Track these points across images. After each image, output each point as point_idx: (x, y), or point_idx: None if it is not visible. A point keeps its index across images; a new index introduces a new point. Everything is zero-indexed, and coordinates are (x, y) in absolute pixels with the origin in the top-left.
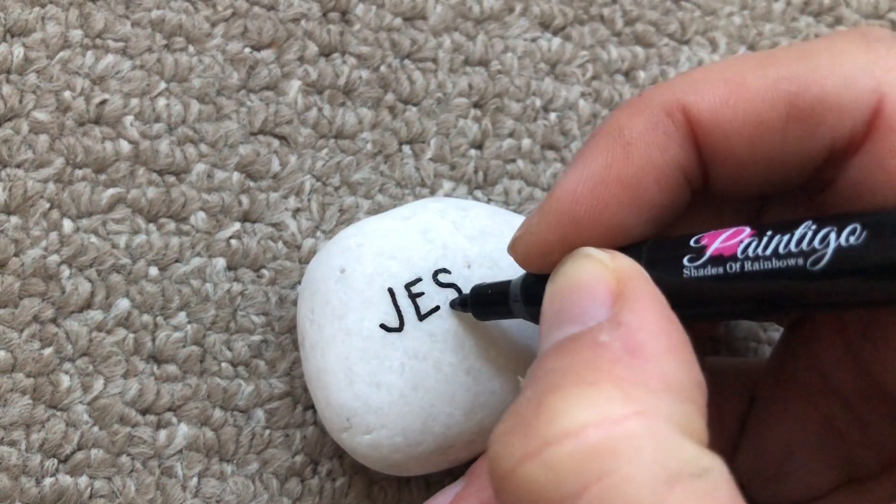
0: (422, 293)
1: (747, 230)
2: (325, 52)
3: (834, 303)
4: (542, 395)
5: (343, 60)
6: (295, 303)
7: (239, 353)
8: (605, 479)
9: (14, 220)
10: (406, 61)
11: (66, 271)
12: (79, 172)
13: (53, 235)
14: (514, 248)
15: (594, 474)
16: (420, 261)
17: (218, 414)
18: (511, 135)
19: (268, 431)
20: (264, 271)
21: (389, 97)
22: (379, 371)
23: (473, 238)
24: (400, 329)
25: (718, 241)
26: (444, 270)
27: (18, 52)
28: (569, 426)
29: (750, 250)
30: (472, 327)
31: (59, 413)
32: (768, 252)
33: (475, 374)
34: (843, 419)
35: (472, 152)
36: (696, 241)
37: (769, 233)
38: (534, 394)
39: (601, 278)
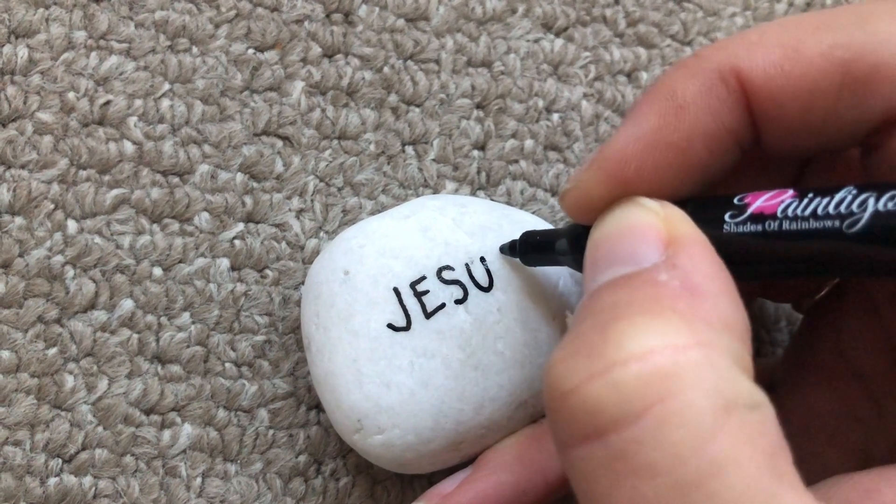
0: (427, 291)
1: (790, 192)
2: (329, 54)
3: (868, 267)
4: (607, 322)
5: (346, 61)
6: (298, 303)
7: (243, 354)
8: (666, 401)
9: (18, 220)
10: (409, 62)
11: (70, 272)
12: (83, 173)
13: (58, 236)
14: (563, 199)
15: (657, 396)
16: (423, 259)
17: (222, 414)
18: (514, 136)
19: (271, 431)
20: (268, 272)
21: (392, 98)
22: (388, 371)
23: (474, 234)
24: (407, 328)
25: (760, 201)
26: (448, 267)
27: (23, 53)
28: (635, 349)
29: (790, 210)
30: (479, 322)
31: (63, 413)
32: (807, 213)
33: (483, 369)
34: (863, 405)
35: (475, 153)
36: (740, 200)
37: (810, 195)
38: (595, 322)
39: (652, 223)
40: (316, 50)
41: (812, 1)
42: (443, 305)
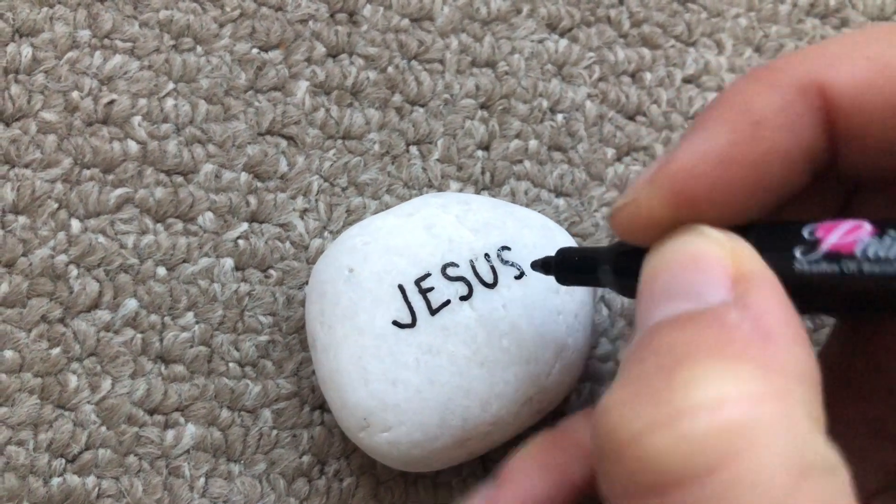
0: (431, 288)
1: (867, 226)
2: (333, 53)
3: None
4: (673, 365)
5: (351, 61)
6: (302, 303)
7: (246, 354)
8: (739, 460)
9: (22, 219)
10: (413, 62)
11: (73, 271)
12: (87, 172)
13: (61, 235)
14: (615, 217)
15: (729, 453)
16: (427, 256)
17: (225, 414)
18: (518, 136)
19: (275, 432)
20: (272, 272)
21: (397, 98)
22: (394, 368)
23: (477, 231)
24: (413, 325)
25: (835, 237)
26: (452, 264)
27: (27, 52)
28: (707, 398)
29: (870, 251)
30: (485, 319)
31: (66, 413)
32: (892, 255)
33: (489, 366)
34: (894, 423)
35: (479, 153)
36: (811, 234)
37: (891, 231)
38: (659, 364)
39: (718, 257)
40: (320, 49)
41: (816, 2)
42: (448, 302)
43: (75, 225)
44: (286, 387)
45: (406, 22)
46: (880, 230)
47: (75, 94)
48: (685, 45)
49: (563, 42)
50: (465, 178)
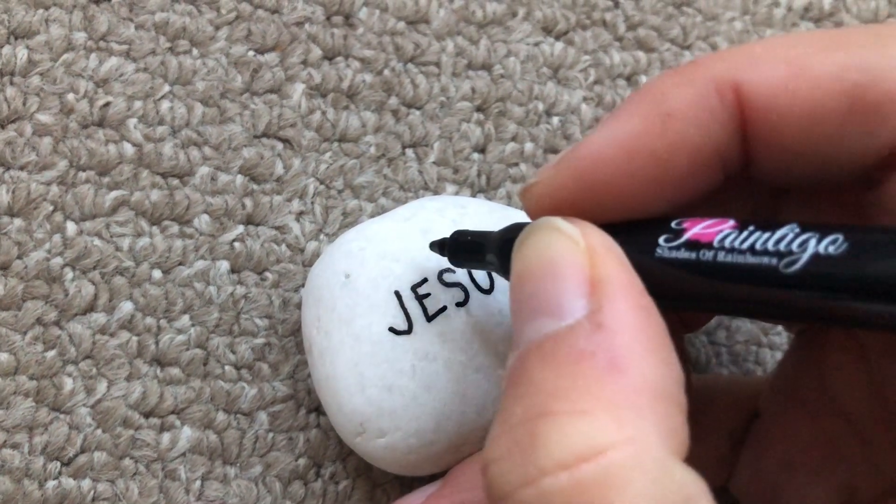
0: (428, 294)
1: (731, 221)
2: (329, 56)
3: (802, 312)
4: (535, 420)
5: (347, 64)
6: (298, 306)
7: (242, 356)
8: None
9: (17, 222)
10: (409, 65)
11: (69, 274)
12: (82, 175)
13: (57, 238)
14: (525, 194)
15: None
16: (424, 261)
17: (221, 417)
18: (514, 139)
19: (271, 434)
20: (268, 274)
21: (393, 101)
22: (390, 374)
23: None
24: (409, 331)
25: (699, 227)
26: (449, 270)
27: (22, 54)
28: (563, 458)
29: (727, 241)
30: (481, 325)
31: (62, 416)
32: (744, 246)
33: (485, 372)
34: (848, 441)
35: (475, 156)
36: (678, 224)
37: (751, 227)
38: (525, 415)
39: (574, 261)
40: (316, 52)
41: (810, 5)
42: (444, 308)
43: (71, 227)
44: (282, 389)
45: (402, 25)
46: (741, 226)
47: (71, 97)
48: (680, 49)
49: (559, 45)
50: (461, 180)
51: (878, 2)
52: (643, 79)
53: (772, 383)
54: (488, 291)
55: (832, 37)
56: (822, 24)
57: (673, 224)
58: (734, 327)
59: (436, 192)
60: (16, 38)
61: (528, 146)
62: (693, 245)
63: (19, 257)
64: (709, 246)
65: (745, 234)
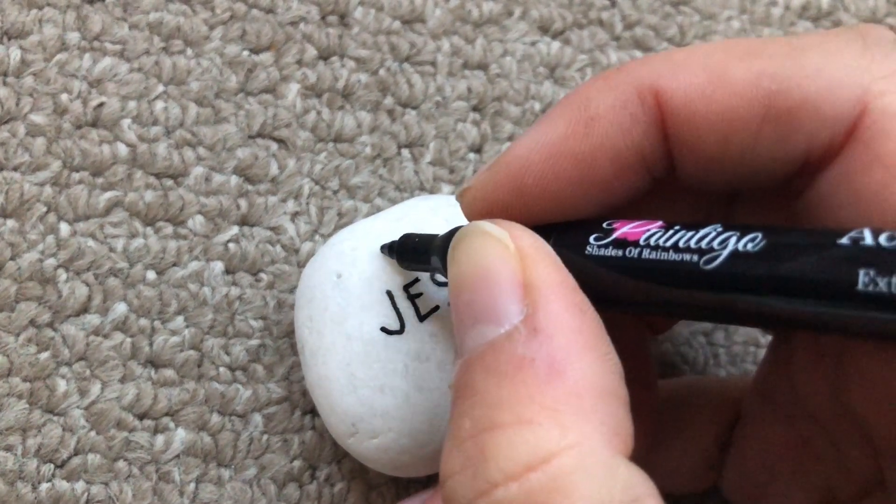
0: (420, 294)
1: (659, 222)
2: (324, 56)
3: (721, 309)
4: (482, 434)
5: (342, 64)
6: (293, 307)
7: (237, 358)
8: None
9: (10, 223)
10: (405, 65)
11: (62, 275)
12: (76, 175)
13: (50, 239)
14: (461, 198)
15: None
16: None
17: (216, 419)
18: (510, 138)
19: (266, 436)
20: (262, 275)
21: (388, 101)
22: (382, 374)
23: None
24: (401, 331)
25: (628, 227)
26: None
27: (15, 54)
28: (511, 469)
29: (652, 239)
30: None
31: (55, 418)
32: (668, 244)
33: None
34: (820, 442)
35: (471, 156)
36: (609, 224)
37: (677, 227)
38: (473, 429)
39: (506, 265)
40: (311, 52)
41: (808, 4)
42: (436, 308)
43: (64, 228)
44: (277, 391)
45: (397, 24)
46: (668, 226)
47: (64, 97)
48: (678, 48)
49: (556, 44)
50: (457, 180)
51: (877, 1)
52: None
53: (752, 386)
54: None
55: (750, 46)
56: (821, 23)
57: (604, 224)
58: (732, 328)
59: (432, 193)
60: (9, 38)
61: None
62: (621, 243)
63: (12, 258)
64: (635, 244)
65: (670, 232)
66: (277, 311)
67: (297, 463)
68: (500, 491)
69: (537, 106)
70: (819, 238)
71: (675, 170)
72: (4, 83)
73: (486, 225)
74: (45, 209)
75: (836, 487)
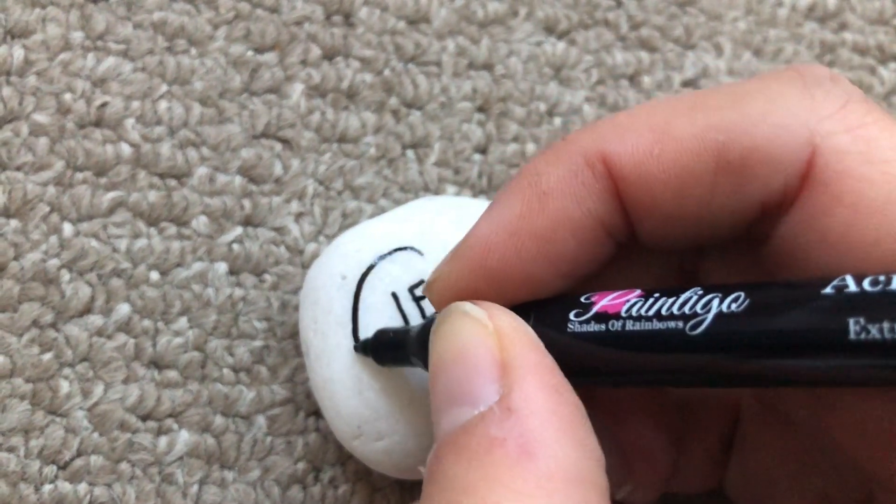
0: (425, 295)
1: (637, 291)
2: (329, 56)
3: (712, 374)
4: None
5: (346, 64)
6: (297, 308)
7: (240, 359)
8: None
9: (14, 223)
10: (410, 65)
11: (66, 275)
12: (79, 175)
13: (53, 239)
14: (428, 291)
15: None
16: (421, 262)
17: (219, 420)
18: (515, 139)
19: (269, 438)
20: (266, 276)
21: (393, 101)
22: (388, 377)
23: None
24: None
25: (607, 300)
26: None
27: (19, 53)
28: None
29: (634, 310)
30: None
31: (58, 419)
32: (651, 313)
33: None
34: (815, 451)
35: (476, 157)
36: (587, 298)
37: (656, 295)
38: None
39: (484, 345)
40: (316, 52)
41: (814, 5)
42: None
43: (67, 228)
44: (281, 393)
45: (402, 24)
46: (647, 294)
47: (68, 96)
48: (684, 49)
49: (561, 45)
50: (462, 181)
51: (884, 2)
52: (646, 79)
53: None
54: None
55: (691, 100)
56: (827, 24)
57: (582, 299)
58: None
59: (436, 194)
60: (12, 38)
61: (530, 147)
62: (602, 317)
63: (15, 259)
64: (617, 316)
65: (650, 300)
66: (281, 313)
67: (300, 465)
68: None
69: (543, 107)
70: (802, 290)
71: (635, 233)
72: (8, 82)
73: (466, 306)
74: (48, 209)
75: (833, 496)
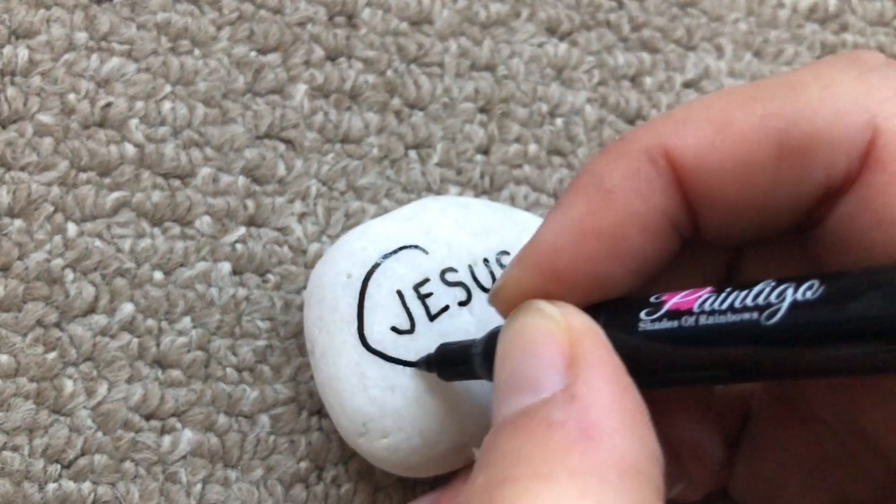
0: (430, 293)
1: (708, 288)
2: (332, 56)
3: (788, 365)
4: (495, 486)
5: (349, 64)
6: (300, 308)
7: (244, 359)
8: None
9: (18, 223)
10: (412, 66)
11: (70, 275)
12: (83, 176)
13: (57, 239)
14: (495, 299)
15: None
16: (426, 261)
17: (222, 419)
18: (517, 140)
19: (272, 437)
20: (269, 276)
21: (396, 102)
22: (393, 374)
23: (476, 235)
24: (411, 331)
25: (677, 298)
26: (451, 269)
27: (23, 54)
28: None
29: (706, 304)
30: (484, 324)
31: (62, 418)
32: (724, 306)
33: None
34: (833, 447)
35: (479, 157)
36: (657, 298)
37: (728, 289)
38: (486, 482)
39: (553, 339)
40: (319, 53)
41: (815, 6)
42: (447, 308)
43: (71, 228)
44: (284, 392)
45: (405, 25)
46: (718, 289)
47: (72, 97)
48: (685, 50)
49: (563, 46)
50: (465, 182)
51: (884, 3)
52: (647, 80)
53: (763, 385)
54: None
55: (747, 91)
56: (828, 25)
57: (651, 298)
58: None
59: (439, 194)
60: (17, 38)
61: (532, 147)
62: (674, 314)
63: (20, 258)
64: (689, 312)
65: (723, 295)
66: (284, 312)
67: (303, 464)
68: None
69: (544, 107)
70: (876, 275)
71: (698, 227)
72: (12, 83)
73: (540, 303)
74: (52, 209)
75: (850, 492)
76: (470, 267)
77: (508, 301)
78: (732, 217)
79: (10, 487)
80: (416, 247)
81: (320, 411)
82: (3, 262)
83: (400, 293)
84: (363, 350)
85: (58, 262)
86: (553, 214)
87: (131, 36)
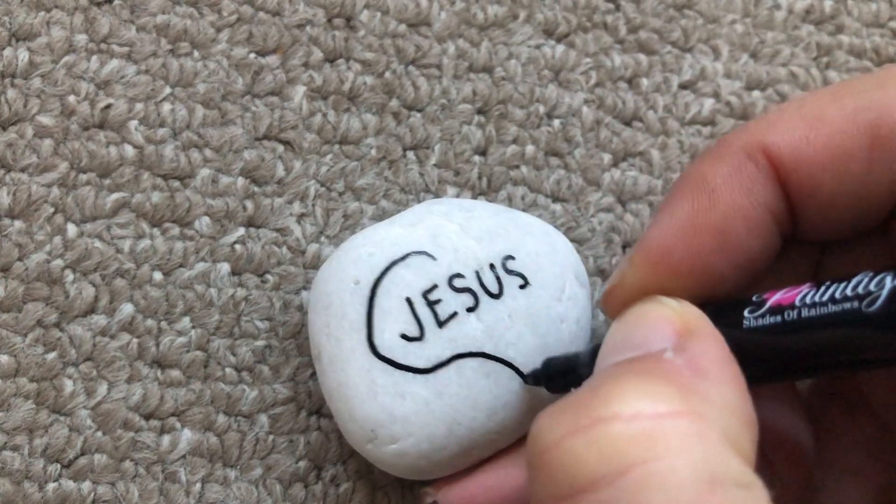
0: (439, 300)
1: (807, 284)
2: (330, 58)
3: (892, 350)
4: (598, 384)
5: (348, 66)
6: (299, 308)
7: (243, 359)
8: (649, 464)
9: (18, 224)
10: (410, 67)
11: (69, 276)
12: (83, 177)
13: (57, 240)
14: (607, 302)
15: (639, 457)
16: (433, 267)
17: (222, 419)
18: (515, 141)
19: (271, 437)
20: (268, 276)
21: (394, 103)
22: (402, 381)
23: (482, 239)
24: (421, 338)
25: (779, 294)
26: (459, 275)
27: (23, 56)
28: (623, 410)
29: (808, 298)
30: (491, 329)
31: (62, 418)
32: (825, 298)
33: (496, 376)
34: (882, 442)
35: (476, 158)
36: (758, 297)
37: (827, 283)
38: (588, 386)
39: (668, 317)
40: (317, 54)
41: (811, 7)
42: (455, 314)
43: (71, 229)
44: (283, 392)
45: (403, 27)
46: (817, 284)
47: (72, 99)
48: (681, 51)
49: (560, 48)
50: (462, 183)
51: (880, 4)
52: (644, 81)
53: (819, 381)
54: (497, 296)
55: (836, 89)
56: (824, 26)
57: (754, 297)
58: None
59: (437, 195)
60: (17, 40)
61: (530, 148)
62: (776, 310)
63: (20, 259)
64: (791, 306)
65: (822, 289)
66: (283, 313)
67: (302, 463)
68: (601, 426)
69: (542, 109)
70: None
71: (797, 219)
72: (12, 85)
73: (657, 297)
74: (52, 210)
75: (895, 490)
76: (477, 273)
77: (624, 299)
78: (829, 209)
79: (10, 487)
80: (425, 253)
81: (319, 411)
82: (3, 263)
83: (409, 300)
84: (372, 357)
85: (58, 263)
86: (661, 215)
87: (131, 38)
